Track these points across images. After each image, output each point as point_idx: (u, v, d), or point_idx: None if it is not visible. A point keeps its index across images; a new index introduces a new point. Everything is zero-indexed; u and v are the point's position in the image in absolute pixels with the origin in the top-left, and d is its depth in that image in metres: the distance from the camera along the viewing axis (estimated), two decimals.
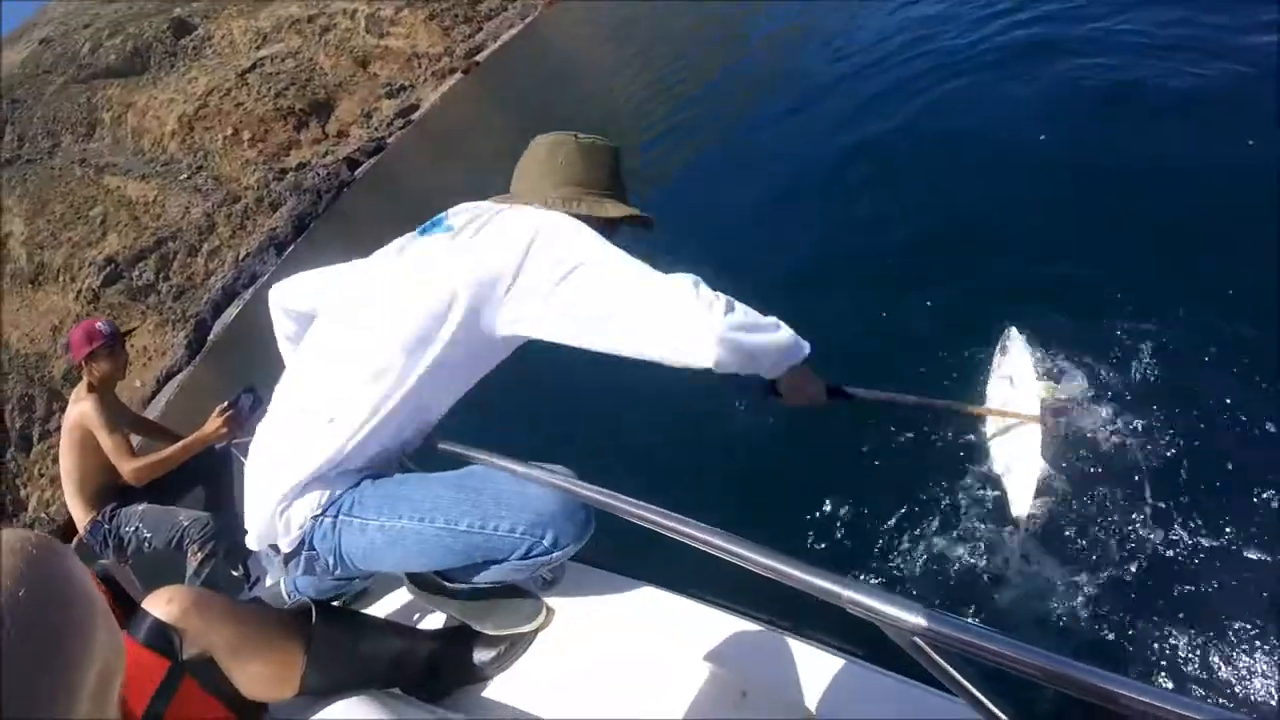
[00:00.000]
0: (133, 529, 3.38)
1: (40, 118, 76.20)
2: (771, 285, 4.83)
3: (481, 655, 1.73)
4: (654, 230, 1.92)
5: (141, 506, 3.43)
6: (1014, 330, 2.48)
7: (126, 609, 1.64)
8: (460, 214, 1.70)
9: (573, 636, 1.71)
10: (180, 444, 3.37)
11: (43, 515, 41.73)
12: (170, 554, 3.41)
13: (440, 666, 1.72)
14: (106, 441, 3.27)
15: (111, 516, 3.44)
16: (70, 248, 52.50)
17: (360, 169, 51.53)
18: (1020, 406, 2.45)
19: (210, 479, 3.66)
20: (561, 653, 1.69)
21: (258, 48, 72.11)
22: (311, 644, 1.51)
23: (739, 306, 1.49)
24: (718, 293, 1.48)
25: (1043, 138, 4.71)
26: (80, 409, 3.32)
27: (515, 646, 1.74)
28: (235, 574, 3.53)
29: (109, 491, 3.47)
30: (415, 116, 56.84)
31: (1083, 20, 5.68)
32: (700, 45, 14.63)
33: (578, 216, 1.65)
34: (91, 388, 3.40)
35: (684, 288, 1.45)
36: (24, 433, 46.73)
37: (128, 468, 3.27)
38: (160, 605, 1.38)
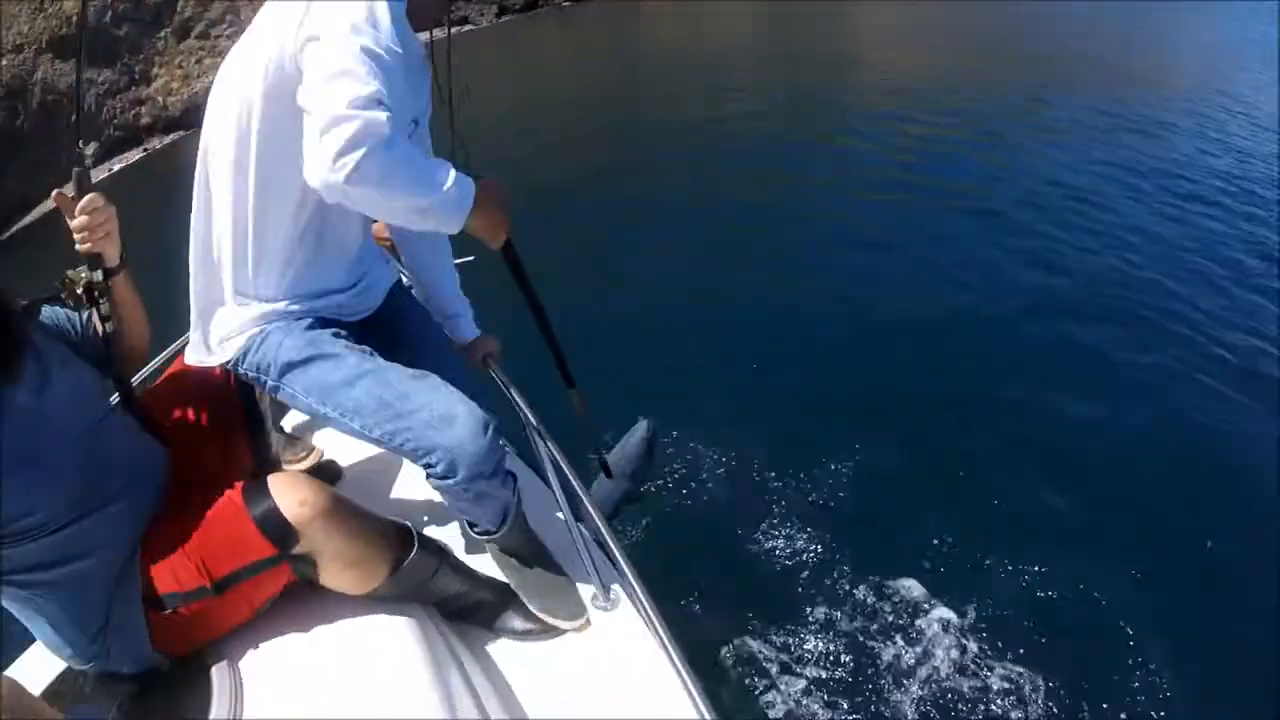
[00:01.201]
0: None
1: None
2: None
3: (514, 622, 1.84)
4: None
5: None
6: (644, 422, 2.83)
7: (251, 418, 1.88)
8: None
9: (584, 660, 1.78)
10: None
11: (158, 99, 42.53)
12: None
13: (477, 612, 1.85)
14: None
15: None
16: None
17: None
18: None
19: None
20: (563, 664, 1.78)
21: None
22: (400, 566, 1.63)
23: (388, 159, 1.26)
24: (377, 134, 1.24)
25: None
26: None
27: (544, 632, 1.84)
28: None
29: None
30: None
31: None
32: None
33: None
34: None
35: (335, 105, 1.25)
36: (187, 24, 47.29)
37: None
38: (291, 504, 1.46)
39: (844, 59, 20.49)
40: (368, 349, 1.71)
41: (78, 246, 1.59)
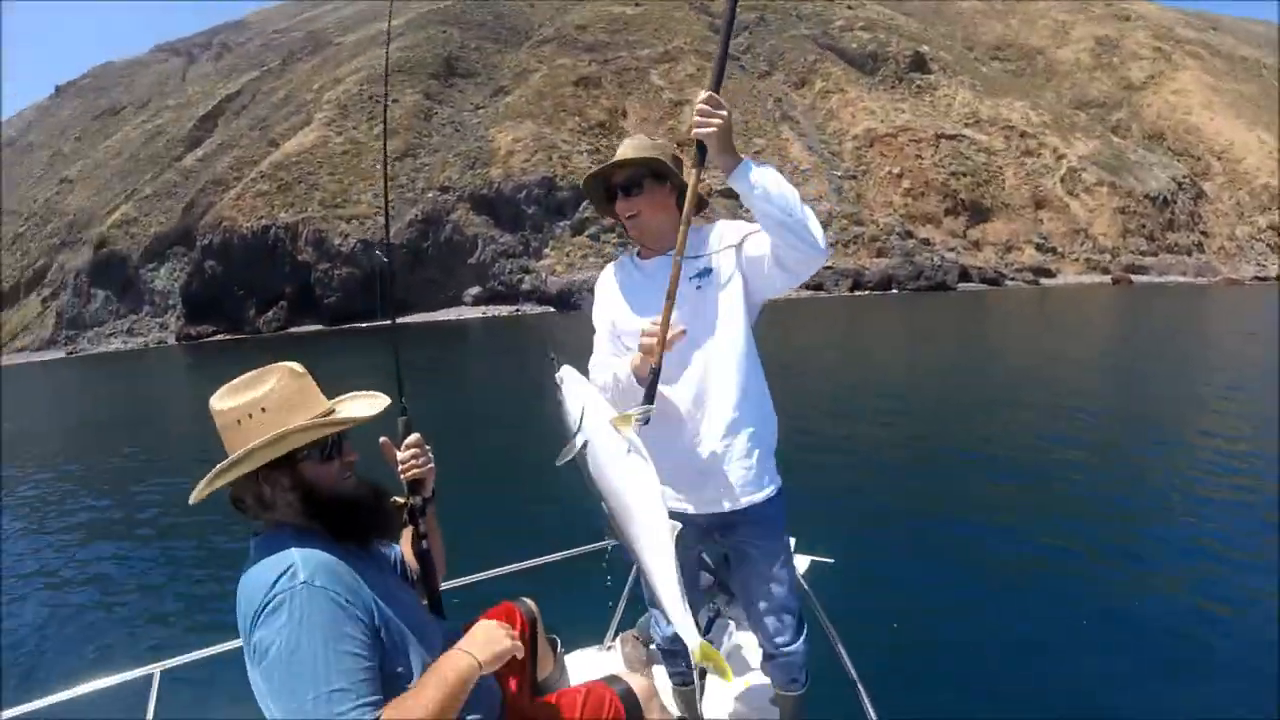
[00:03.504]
0: None
1: (771, 45, 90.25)
2: None
3: None
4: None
5: None
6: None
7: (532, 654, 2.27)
8: None
9: None
10: None
11: (541, 274, 56.81)
12: None
13: None
14: None
15: None
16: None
17: (963, 285, 52.36)
18: None
19: None
20: None
21: (967, 125, 77.47)
22: None
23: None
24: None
25: None
26: None
27: None
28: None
29: None
30: (1043, 282, 56.86)
31: None
32: None
33: None
34: None
35: None
36: (583, 223, 60.62)
37: None
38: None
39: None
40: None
41: (402, 476, 2.02)
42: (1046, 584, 6.12)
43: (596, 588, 3.77)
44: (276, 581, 1.40)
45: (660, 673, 2.94)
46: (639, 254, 2.35)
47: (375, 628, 1.47)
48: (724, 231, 2.25)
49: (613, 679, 2.07)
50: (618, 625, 3.52)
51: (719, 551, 2.57)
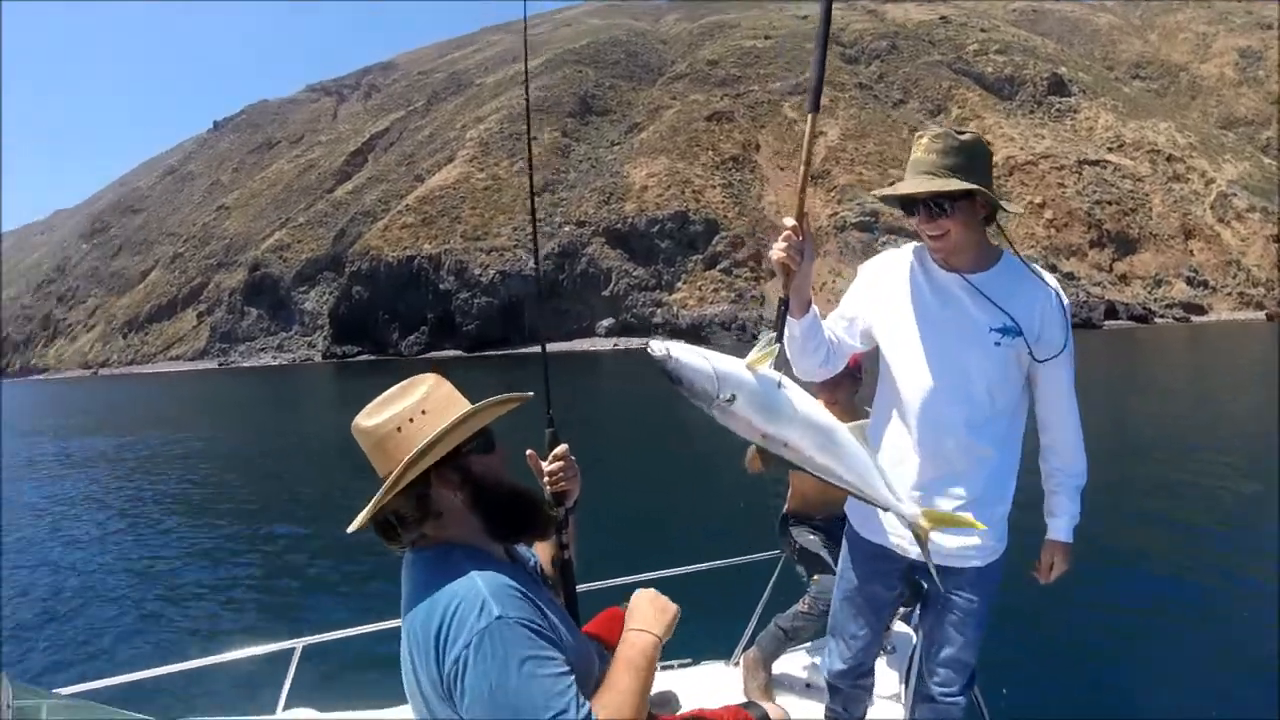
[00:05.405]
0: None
1: (904, 73, 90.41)
2: None
3: None
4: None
5: (812, 537, 3.43)
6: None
7: None
8: None
9: None
10: None
11: (673, 307, 62.26)
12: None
13: None
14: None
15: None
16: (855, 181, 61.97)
17: (1109, 322, 50.96)
18: None
19: None
20: None
21: (1110, 149, 75.41)
22: None
23: None
24: None
25: None
26: None
27: None
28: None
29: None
30: (1194, 319, 54.75)
31: None
32: None
33: None
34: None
35: None
36: (715, 256, 64.83)
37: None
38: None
39: None
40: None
41: (549, 488, 2.01)
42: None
43: (726, 602, 3.77)
44: (473, 620, 1.39)
45: (797, 705, 2.95)
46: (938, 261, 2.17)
47: (560, 643, 1.48)
48: (1046, 315, 2.09)
49: (750, 705, 2.08)
50: (746, 642, 3.40)
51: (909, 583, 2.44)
